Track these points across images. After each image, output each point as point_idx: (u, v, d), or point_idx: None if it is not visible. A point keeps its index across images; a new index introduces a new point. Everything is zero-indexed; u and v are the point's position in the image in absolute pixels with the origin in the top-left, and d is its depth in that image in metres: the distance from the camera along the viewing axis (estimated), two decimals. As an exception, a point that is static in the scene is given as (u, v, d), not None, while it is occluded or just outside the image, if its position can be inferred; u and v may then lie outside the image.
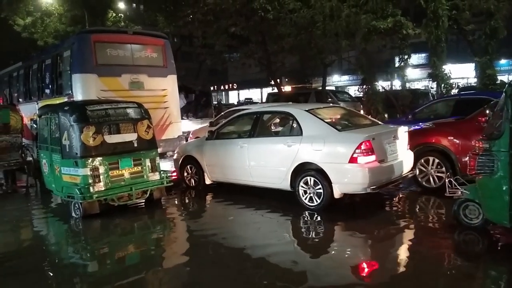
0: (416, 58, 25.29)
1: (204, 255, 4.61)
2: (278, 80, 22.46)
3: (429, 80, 26.22)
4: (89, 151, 5.81)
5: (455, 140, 6.40)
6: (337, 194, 5.64)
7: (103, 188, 5.87)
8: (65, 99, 8.44)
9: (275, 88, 27.14)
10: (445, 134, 6.53)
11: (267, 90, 34.82)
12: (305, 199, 5.90)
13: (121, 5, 25.34)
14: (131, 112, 6.34)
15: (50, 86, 9.81)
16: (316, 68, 23.49)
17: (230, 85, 46.13)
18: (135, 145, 6.24)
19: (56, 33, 24.59)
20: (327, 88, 22.67)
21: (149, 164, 6.38)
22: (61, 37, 22.72)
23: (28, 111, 10.24)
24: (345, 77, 35.07)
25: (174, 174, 7.70)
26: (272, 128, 6.99)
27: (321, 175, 5.69)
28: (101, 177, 5.85)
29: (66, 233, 5.84)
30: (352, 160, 5.41)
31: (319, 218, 5.63)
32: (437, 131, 6.69)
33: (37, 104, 9.81)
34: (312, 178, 5.79)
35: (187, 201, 7.40)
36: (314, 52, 16.91)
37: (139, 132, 6.31)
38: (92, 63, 8.23)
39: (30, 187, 8.63)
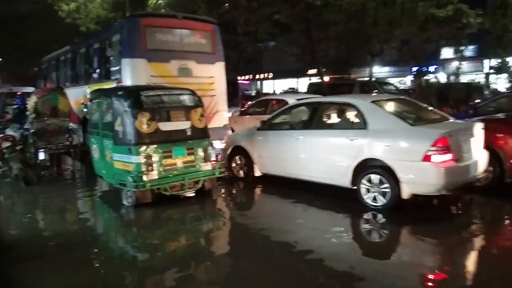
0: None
1: (255, 251, 4.40)
2: (317, 70, 21.81)
3: (476, 74, 24.89)
4: (143, 138, 5.60)
5: (504, 137, 5.84)
6: (405, 194, 5.17)
7: (156, 177, 5.66)
8: (114, 84, 8.31)
9: (311, 78, 26.46)
10: (493, 130, 5.94)
11: (303, 80, 34.12)
12: (367, 198, 5.48)
13: (162, -9, 25.23)
14: (186, 100, 6.09)
15: (98, 71, 9.74)
16: (361, 58, 22.57)
17: (266, 74, 45.59)
18: (188, 133, 6.00)
19: (98, 19, 24.82)
20: (367, 79, 21.81)
21: (202, 153, 6.13)
22: (102, 23, 22.85)
23: (75, 95, 10.22)
24: (386, 68, 33.78)
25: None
26: (332, 120, 6.56)
27: (388, 173, 5.24)
28: (154, 165, 5.63)
29: (118, 222, 5.71)
30: (426, 158, 4.93)
31: (382, 219, 5.18)
32: (485, 128, 6.08)
33: (86, 88, 9.77)
34: (377, 176, 5.36)
35: (237, 193, 7.12)
36: (362, 41, 16.21)
37: (193, 120, 6.06)
38: (141, 47, 8.02)
39: (76, 171, 8.61)
